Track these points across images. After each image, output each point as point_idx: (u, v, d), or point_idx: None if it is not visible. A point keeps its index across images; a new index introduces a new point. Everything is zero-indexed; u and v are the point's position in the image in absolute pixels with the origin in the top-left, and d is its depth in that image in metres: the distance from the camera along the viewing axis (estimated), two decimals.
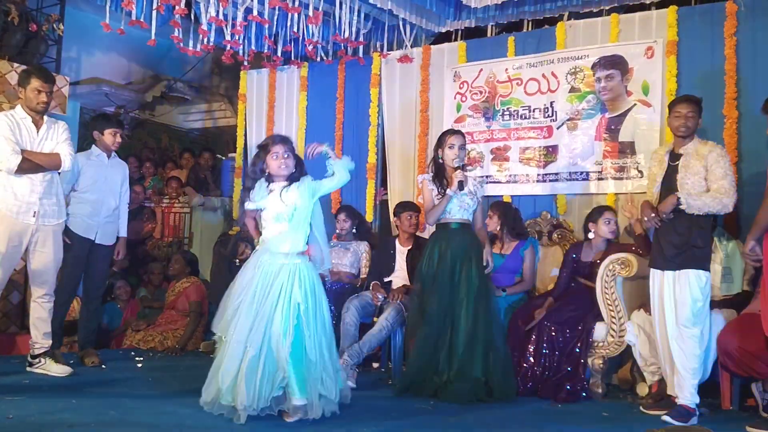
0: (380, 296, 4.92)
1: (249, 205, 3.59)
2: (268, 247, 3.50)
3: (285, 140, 3.60)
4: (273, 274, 3.42)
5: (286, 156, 3.53)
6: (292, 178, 3.56)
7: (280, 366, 3.30)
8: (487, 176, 5.59)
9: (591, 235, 4.71)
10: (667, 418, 3.64)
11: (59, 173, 4.42)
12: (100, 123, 4.92)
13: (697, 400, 3.66)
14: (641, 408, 3.94)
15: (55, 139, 4.37)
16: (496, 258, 4.91)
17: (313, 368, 3.34)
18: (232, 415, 3.28)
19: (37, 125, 4.34)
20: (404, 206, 5.32)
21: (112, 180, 4.92)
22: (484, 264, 4.25)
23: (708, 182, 3.77)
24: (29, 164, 4.21)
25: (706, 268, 3.75)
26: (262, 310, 3.35)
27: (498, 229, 4.99)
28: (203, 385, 3.44)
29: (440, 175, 4.33)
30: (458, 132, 4.44)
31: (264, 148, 3.58)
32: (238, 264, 5.73)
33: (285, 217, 3.49)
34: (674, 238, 3.76)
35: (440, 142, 4.37)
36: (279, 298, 3.36)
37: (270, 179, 3.58)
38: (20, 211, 4.23)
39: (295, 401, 3.29)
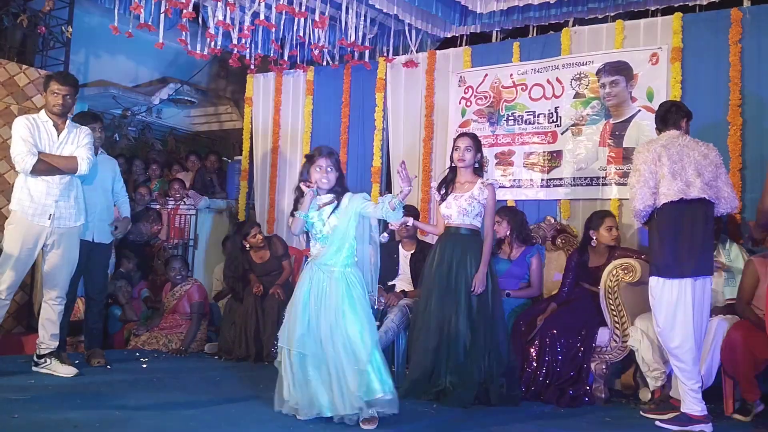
0: (381, 299, 4.93)
1: (298, 215, 3.57)
2: (319, 262, 3.56)
3: (330, 154, 3.61)
4: (325, 281, 3.49)
5: (328, 170, 3.56)
6: (334, 191, 3.58)
7: (356, 369, 3.34)
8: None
9: (594, 243, 4.70)
10: (660, 423, 3.65)
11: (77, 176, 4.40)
12: (77, 122, 4.80)
13: (699, 408, 3.58)
14: (641, 412, 3.95)
15: (76, 143, 4.37)
16: (503, 263, 4.92)
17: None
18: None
19: (58, 129, 4.35)
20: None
21: (103, 177, 4.86)
22: (471, 288, 4.13)
23: None
24: (45, 166, 4.22)
25: (660, 274, 3.64)
26: (319, 319, 3.43)
27: (508, 234, 4.99)
28: (275, 393, 3.54)
29: (446, 179, 4.37)
30: (464, 134, 4.45)
31: (310, 159, 3.61)
32: (248, 248, 5.72)
33: (323, 238, 3.55)
34: None
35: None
36: (337, 305, 3.43)
37: (317, 191, 3.61)
38: (36, 213, 4.24)
39: (382, 396, 3.32)
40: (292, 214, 3.65)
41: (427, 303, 4.22)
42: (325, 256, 3.53)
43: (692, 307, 3.59)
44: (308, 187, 3.56)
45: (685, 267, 3.60)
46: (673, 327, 3.61)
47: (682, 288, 3.60)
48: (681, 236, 3.62)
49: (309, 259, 3.66)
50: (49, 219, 4.27)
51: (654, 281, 3.69)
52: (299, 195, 3.63)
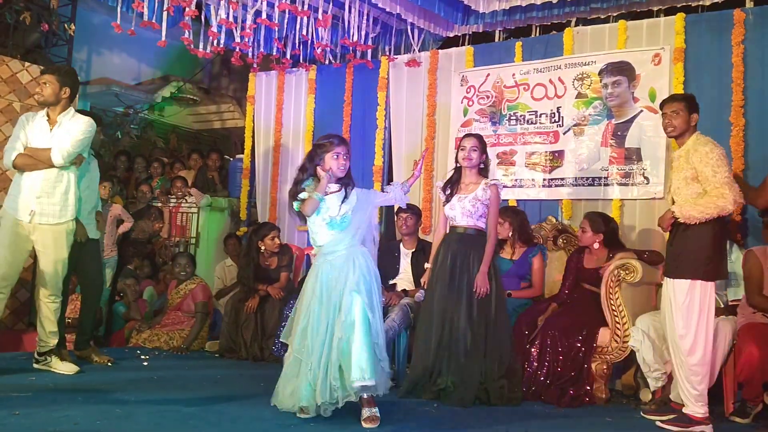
0: (382, 298, 4.91)
1: (315, 197, 3.45)
2: (324, 252, 3.51)
3: (346, 141, 3.60)
4: (331, 272, 3.44)
5: (345, 158, 3.53)
6: (342, 182, 3.55)
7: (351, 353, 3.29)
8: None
9: (596, 246, 4.69)
10: (661, 424, 3.65)
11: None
12: None
13: (702, 410, 3.58)
14: (642, 412, 3.95)
15: (68, 133, 4.24)
16: (505, 263, 4.92)
17: (377, 349, 3.36)
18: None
19: (51, 123, 4.26)
20: (403, 208, 5.31)
21: (93, 176, 4.77)
22: (474, 289, 4.12)
23: (702, 184, 3.59)
24: (25, 160, 4.16)
25: (696, 276, 3.58)
26: (323, 306, 3.40)
27: (510, 234, 4.98)
28: (276, 391, 3.49)
29: (452, 180, 4.37)
30: (470, 135, 4.44)
31: (324, 147, 3.53)
32: (263, 251, 5.68)
33: (338, 224, 3.50)
34: (672, 245, 3.74)
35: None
36: (340, 289, 3.39)
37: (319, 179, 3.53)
38: (19, 208, 4.18)
39: (365, 383, 3.25)
40: (294, 197, 3.54)
41: (430, 302, 4.22)
42: (333, 243, 3.49)
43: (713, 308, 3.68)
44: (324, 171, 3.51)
45: (720, 271, 3.69)
46: (708, 330, 3.62)
47: (713, 291, 3.66)
48: (725, 241, 3.74)
49: (315, 253, 3.62)
50: (30, 215, 4.17)
51: (699, 285, 3.60)
52: (304, 177, 3.55)
